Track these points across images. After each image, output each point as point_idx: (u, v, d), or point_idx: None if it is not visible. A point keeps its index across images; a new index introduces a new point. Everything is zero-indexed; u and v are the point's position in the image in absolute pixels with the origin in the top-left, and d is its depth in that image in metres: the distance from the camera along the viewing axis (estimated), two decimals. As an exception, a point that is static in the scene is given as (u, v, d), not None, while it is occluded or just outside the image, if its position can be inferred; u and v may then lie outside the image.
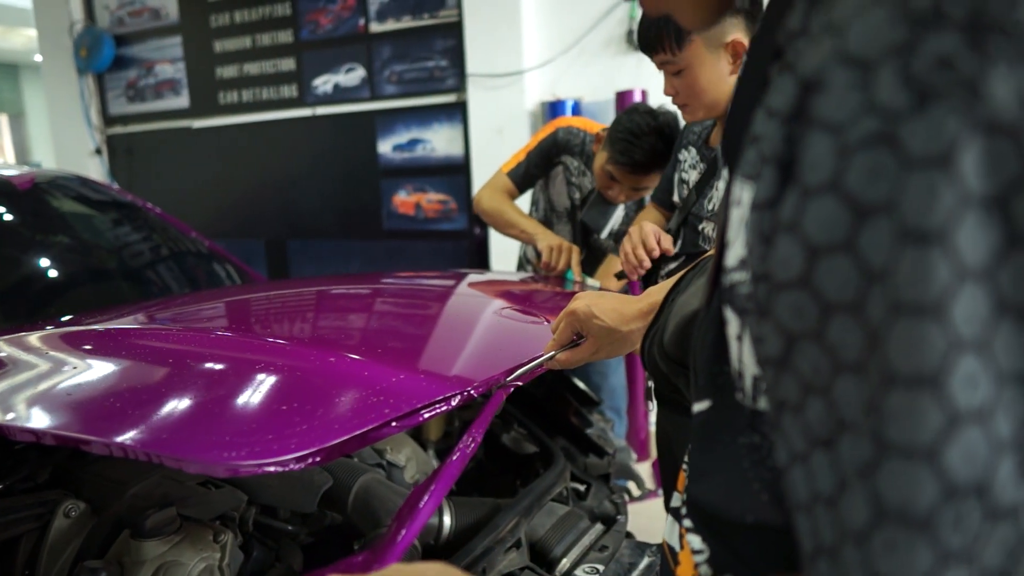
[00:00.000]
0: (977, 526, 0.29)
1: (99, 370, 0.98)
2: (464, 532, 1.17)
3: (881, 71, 0.30)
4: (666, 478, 1.07)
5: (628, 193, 2.05)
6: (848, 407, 0.31)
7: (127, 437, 0.73)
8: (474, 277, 1.93)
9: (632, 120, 1.95)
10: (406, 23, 4.46)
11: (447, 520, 1.16)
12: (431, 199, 4.53)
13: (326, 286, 1.74)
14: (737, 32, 1.48)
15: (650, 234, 1.65)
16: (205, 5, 5.08)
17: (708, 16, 0.53)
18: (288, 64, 4.88)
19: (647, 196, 2.20)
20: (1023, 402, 0.28)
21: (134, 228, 2.59)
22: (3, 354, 1.08)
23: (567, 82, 3.99)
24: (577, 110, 3.80)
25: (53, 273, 2.26)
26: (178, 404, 0.83)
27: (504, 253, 4.12)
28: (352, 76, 4.66)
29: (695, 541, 0.47)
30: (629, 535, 1.47)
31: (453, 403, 0.93)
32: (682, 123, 1.92)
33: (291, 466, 0.70)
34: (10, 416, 0.82)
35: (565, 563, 1.25)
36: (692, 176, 1.74)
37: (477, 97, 4.13)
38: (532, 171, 2.22)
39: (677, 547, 0.56)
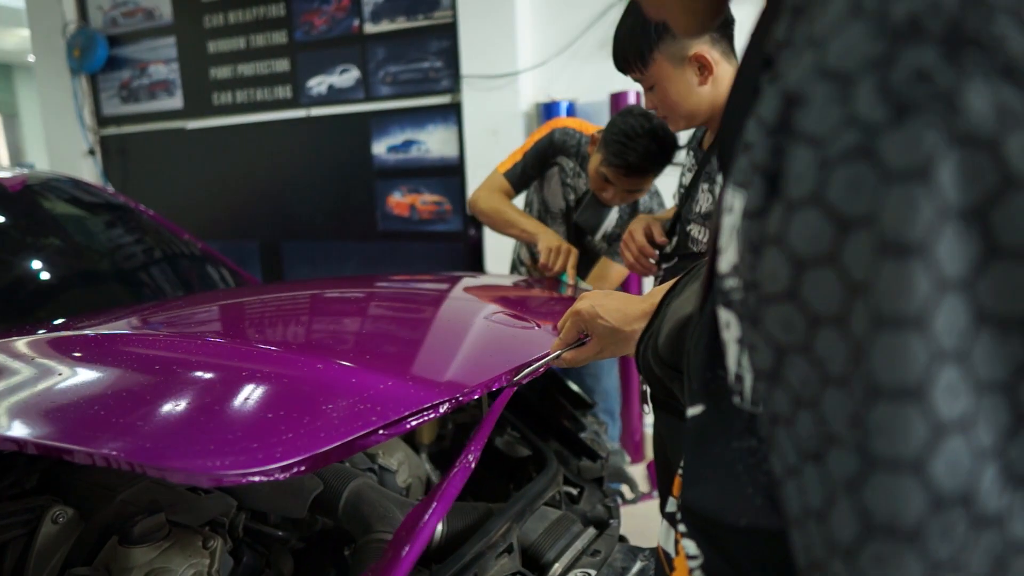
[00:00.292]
0: (964, 535, 0.29)
1: (84, 377, 0.97)
2: (456, 537, 1.16)
3: (860, 85, 0.30)
4: (662, 483, 1.08)
5: (622, 195, 2.05)
6: (835, 421, 0.31)
7: (110, 447, 0.72)
8: (466, 281, 1.92)
9: (626, 122, 1.95)
10: (400, 24, 4.46)
11: (439, 525, 1.16)
12: (426, 200, 4.53)
13: (317, 290, 1.74)
14: (700, 45, 1.50)
15: (639, 230, 1.67)
16: (199, 6, 5.07)
17: (700, 24, 0.53)
18: (282, 65, 4.87)
19: (643, 198, 2.20)
20: (1003, 411, 0.28)
21: (127, 230, 2.58)
22: (-10, 360, 1.07)
23: (561, 83, 3.99)
24: (572, 111, 3.81)
25: (45, 276, 2.24)
26: (162, 413, 0.82)
27: (498, 254, 4.12)
28: (346, 77, 4.66)
29: (690, 547, 0.46)
30: (622, 539, 1.47)
31: (441, 410, 0.92)
32: None
33: (276, 475, 0.69)
34: (-6, 424, 0.81)
35: (557, 568, 1.24)
36: (687, 178, 1.76)
37: (472, 98, 4.12)
38: (528, 171, 2.22)
39: (672, 552, 0.56)
